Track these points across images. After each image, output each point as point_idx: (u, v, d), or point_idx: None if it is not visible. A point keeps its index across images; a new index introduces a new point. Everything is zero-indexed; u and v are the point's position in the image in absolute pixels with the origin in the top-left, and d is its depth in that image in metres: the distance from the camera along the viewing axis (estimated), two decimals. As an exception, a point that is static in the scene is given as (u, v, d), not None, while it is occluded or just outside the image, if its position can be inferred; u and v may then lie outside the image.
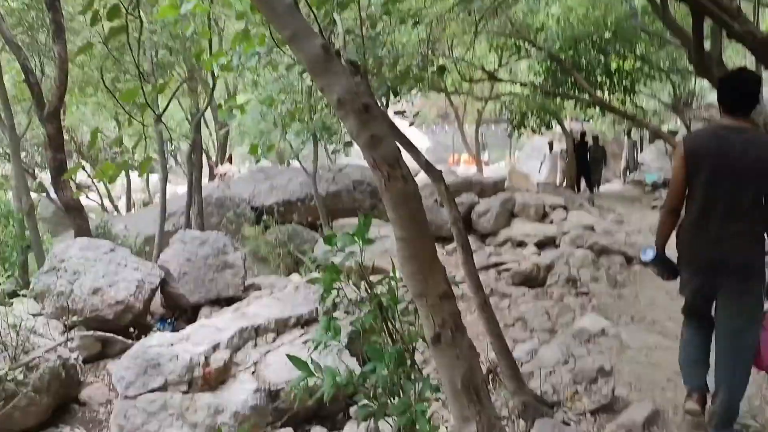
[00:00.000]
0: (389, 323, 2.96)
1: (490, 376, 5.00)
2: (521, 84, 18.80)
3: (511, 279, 9.08)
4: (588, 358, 5.12)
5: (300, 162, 15.28)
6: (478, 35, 17.75)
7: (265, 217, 15.69)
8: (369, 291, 2.98)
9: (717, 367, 3.83)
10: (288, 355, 2.96)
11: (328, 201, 16.15)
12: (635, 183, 21.43)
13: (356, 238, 2.96)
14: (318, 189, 15.22)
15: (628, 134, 22.62)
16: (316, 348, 3.15)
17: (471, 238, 14.69)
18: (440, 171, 4.44)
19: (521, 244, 13.65)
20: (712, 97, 24.63)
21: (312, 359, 2.97)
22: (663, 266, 4.04)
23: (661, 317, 6.93)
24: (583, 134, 20.68)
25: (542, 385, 4.63)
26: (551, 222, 14.60)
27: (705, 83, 22.43)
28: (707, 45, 10.77)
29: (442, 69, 5.06)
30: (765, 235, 3.80)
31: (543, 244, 13.43)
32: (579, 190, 19.96)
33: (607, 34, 18.16)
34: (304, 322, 7.07)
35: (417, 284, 2.46)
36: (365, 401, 2.86)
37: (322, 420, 5.85)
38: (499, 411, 4.56)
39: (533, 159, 28.25)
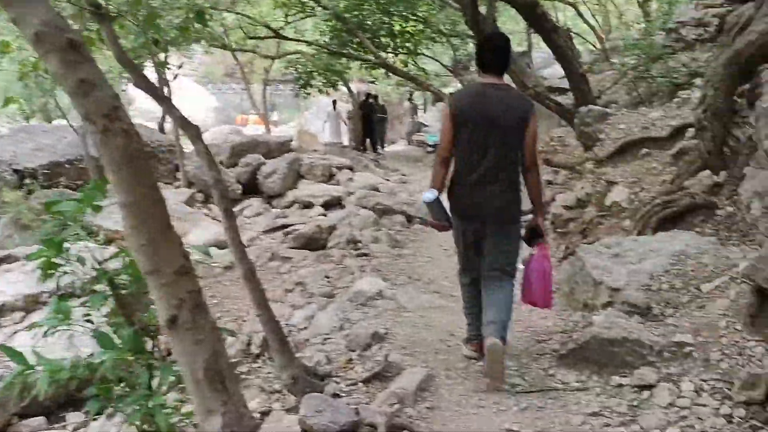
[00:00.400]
0: (125, 304, 2.54)
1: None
2: (307, 43, 18.44)
3: (293, 242, 8.79)
4: (363, 322, 5.00)
5: (68, 120, 13.90)
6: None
7: (28, 180, 14.15)
8: (98, 267, 2.53)
9: (485, 298, 4.24)
10: (1, 346, 2.45)
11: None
12: (419, 144, 22.04)
13: (84, 204, 2.49)
14: (89, 150, 13.95)
15: (410, 97, 23.13)
16: (45, 334, 2.66)
17: (257, 201, 14.35)
18: (197, 127, 3.99)
19: (308, 205, 13.45)
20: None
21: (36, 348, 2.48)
22: (440, 211, 4.25)
23: (438, 276, 7.04)
24: (367, 95, 20.86)
25: (316, 355, 4.41)
26: (338, 183, 14.55)
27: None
28: (483, 10, 11.15)
29: (200, 15, 4.57)
30: (519, 178, 4.22)
31: (329, 205, 13.33)
32: (365, 150, 20.15)
33: (389, -3, 18.22)
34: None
35: (147, 259, 2.08)
36: (96, 394, 2.44)
37: (81, 403, 5.22)
38: (272, 385, 4.30)
39: (321, 119, 28.18)
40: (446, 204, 4.27)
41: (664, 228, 5.22)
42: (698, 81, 7.82)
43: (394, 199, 11.39)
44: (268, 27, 17.20)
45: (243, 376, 4.63)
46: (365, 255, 7.81)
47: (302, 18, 18.40)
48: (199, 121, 33.32)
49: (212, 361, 2.13)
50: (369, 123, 20.04)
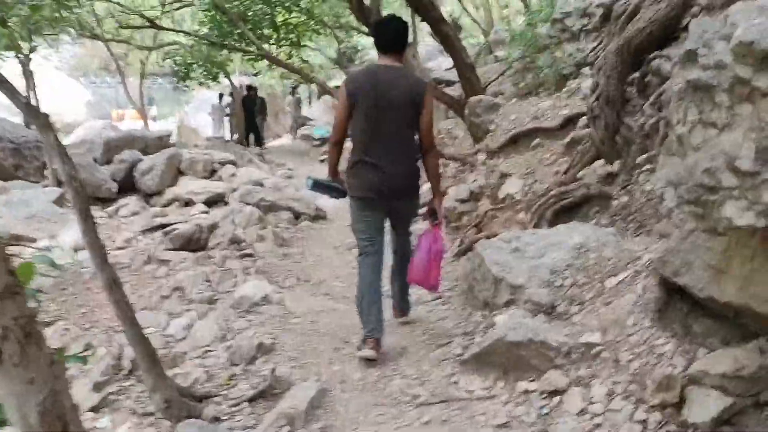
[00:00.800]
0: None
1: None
2: (185, 33, 17.60)
3: (171, 242, 8.16)
4: (248, 331, 4.58)
5: None
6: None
7: None
8: None
9: (394, 241, 4.56)
10: None
11: (-45, 160, 13.61)
12: (304, 137, 21.54)
13: None
14: None
15: (293, 90, 22.57)
16: None
17: (134, 199, 13.53)
18: (47, 116, 3.44)
19: (189, 203, 12.75)
20: (374, 53, 25.67)
21: None
22: (327, 189, 4.48)
23: (328, 276, 6.68)
24: (249, 87, 20.19)
25: (195, 371, 3.94)
26: (220, 179, 13.90)
27: (368, 40, 23.27)
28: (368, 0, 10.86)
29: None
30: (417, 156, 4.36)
31: (212, 202, 12.71)
32: (248, 144, 19.49)
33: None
34: None
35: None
36: None
37: None
38: (145, 408, 3.79)
39: (203, 113, 27.17)
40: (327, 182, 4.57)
41: (560, 220, 5.09)
42: (586, 70, 7.79)
43: (280, 195, 10.92)
44: (142, 16, 16.21)
45: (112, 397, 4.08)
46: (249, 256, 7.33)
47: (180, 7, 17.47)
48: (71, 115, 31.87)
49: (50, 403, 1.67)
50: (252, 117, 19.37)
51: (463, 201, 6.68)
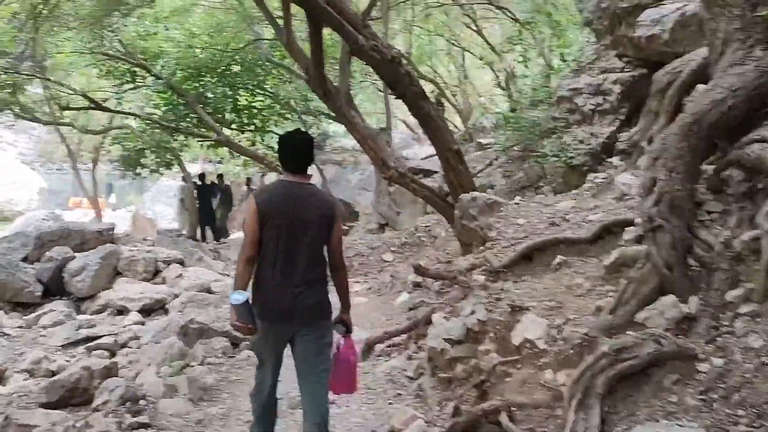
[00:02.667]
0: None
1: None
2: (135, 116, 16.16)
3: (47, 395, 6.20)
4: None
5: None
6: (83, 54, 14.81)
7: None
8: None
9: (308, 398, 4.26)
10: None
11: None
12: None
13: None
14: None
15: (248, 181, 20.98)
16: None
17: (62, 304, 11.87)
18: None
19: (123, 311, 10.97)
20: (347, 140, 24.67)
21: None
22: (247, 313, 4.14)
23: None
24: (201, 176, 18.67)
25: None
26: (164, 280, 12.20)
27: (339, 127, 22.01)
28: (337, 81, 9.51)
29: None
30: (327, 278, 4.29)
31: (150, 311, 11.14)
32: (204, 238, 17.79)
33: (236, 68, 16.46)
34: None
35: None
36: None
37: None
38: None
39: (160, 202, 25.61)
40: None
41: (620, 395, 3.34)
42: (614, 160, 6.31)
43: (219, 312, 9.12)
44: (85, 97, 14.73)
45: None
46: (144, 428, 5.33)
47: (132, 89, 16.07)
48: (22, 204, 30.13)
49: None
50: (206, 207, 17.75)
51: (456, 342, 4.95)
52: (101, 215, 25.05)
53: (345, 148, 21.45)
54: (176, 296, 10.62)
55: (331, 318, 4.39)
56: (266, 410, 4.56)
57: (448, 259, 8.08)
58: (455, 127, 19.55)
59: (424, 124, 7.32)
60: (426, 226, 10.18)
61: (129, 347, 9.87)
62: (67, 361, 9.11)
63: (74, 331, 10.17)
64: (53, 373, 8.52)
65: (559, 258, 5.55)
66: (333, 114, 19.25)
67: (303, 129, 19.26)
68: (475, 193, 6.74)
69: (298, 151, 4.25)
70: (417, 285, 8.25)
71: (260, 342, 4.37)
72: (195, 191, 18.13)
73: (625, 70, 7.68)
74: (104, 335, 9.92)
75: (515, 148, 8.04)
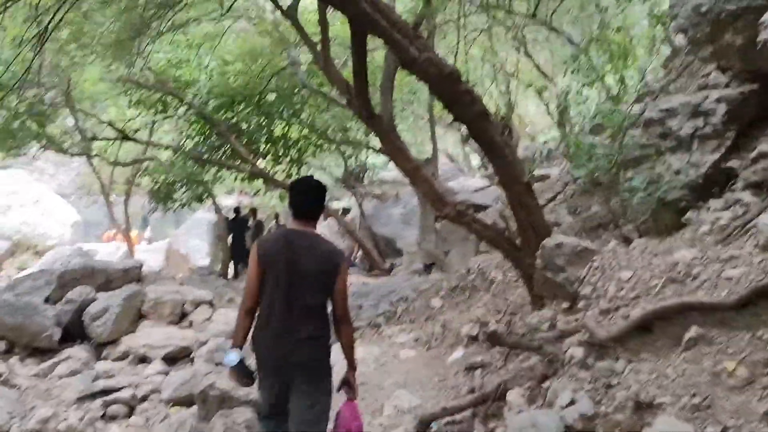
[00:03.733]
0: None
1: None
2: (167, 148, 15.47)
3: None
4: None
5: None
6: (111, 83, 14.19)
7: None
8: None
9: None
10: None
11: None
12: None
13: None
14: None
15: (276, 217, 20.11)
16: None
17: (82, 350, 11.10)
18: None
19: (145, 359, 10.10)
20: (386, 172, 23.79)
21: None
22: (243, 371, 4.12)
23: None
24: (236, 209, 17.85)
25: None
26: (191, 324, 11.34)
27: (380, 158, 21.13)
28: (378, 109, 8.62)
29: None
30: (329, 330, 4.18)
31: (174, 359, 10.22)
32: (237, 275, 16.94)
33: (271, 96, 15.72)
34: None
35: None
36: None
37: None
38: None
39: (195, 237, 24.90)
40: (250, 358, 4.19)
41: None
42: (743, 194, 5.20)
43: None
44: (112, 127, 14.06)
45: None
46: None
47: (163, 119, 15.41)
48: (55, 238, 29.80)
49: None
50: (240, 243, 16.92)
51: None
52: (134, 249, 24.54)
53: (385, 181, 20.57)
54: (203, 343, 9.70)
55: (327, 377, 4.19)
56: None
57: (511, 311, 7.02)
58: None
59: (489, 151, 6.30)
60: (480, 268, 9.12)
61: (150, 400, 9.13)
62: (80, 419, 8.32)
63: (90, 382, 9.44)
64: (63, 436, 7.75)
65: (693, 330, 4.26)
66: (373, 144, 18.57)
67: (342, 159, 18.64)
68: (561, 238, 5.63)
69: (308, 197, 4.24)
70: (473, 339, 7.22)
71: (259, 394, 4.30)
72: (228, 226, 17.33)
73: (731, 85, 6.57)
74: (123, 387, 9.02)
75: (583, 180, 6.95)
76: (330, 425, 4.26)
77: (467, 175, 19.97)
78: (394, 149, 6.67)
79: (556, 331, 4.91)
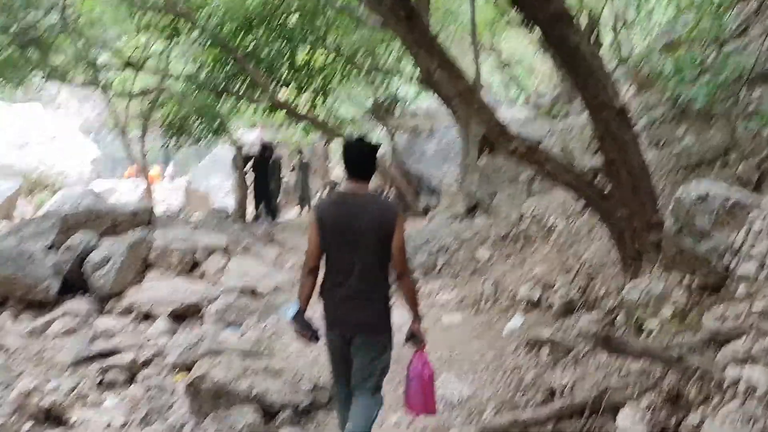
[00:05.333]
0: None
1: None
2: (178, 78, 14.17)
3: None
4: None
5: None
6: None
7: None
8: None
9: (351, 410, 4.31)
10: None
11: None
12: None
13: None
14: None
15: (300, 152, 18.65)
16: None
17: (83, 303, 10.12)
18: None
19: (149, 316, 9.17)
20: (421, 102, 22.24)
21: None
22: (303, 324, 4.30)
23: None
24: (265, 147, 16.49)
25: None
26: (203, 275, 10.21)
27: (411, 88, 19.58)
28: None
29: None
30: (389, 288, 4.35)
31: (182, 316, 9.01)
32: (257, 219, 15.73)
33: (293, 19, 14.28)
34: None
35: None
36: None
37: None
38: None
39: (216, 175, 23.73)
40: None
41: None
42: None
43: (269, 317, 7.11)
44: (118, 54, 12.71)
45: None
46: None
47: (174, 46, 14.06)
48: (74, 175, 28.88)
49: None
50: (264, 184, 15.68)
51: None
52: (152, 187, 23.46)
53: (418, 113, 19.03)
54: (213, 300, 8.58)
55: (386, 333, 4.35)
56: (346, 410, 4.43)
57: (587, 272, 5.68)
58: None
59: (570, 66, 4.85)
60: (534, 214, 7.75)
61: (153, 365, 8.07)
62: (71, 390, 7.28)
63: (87, 344, 8.39)
64: (47, 413, 6.75)
65: None
66: (406, 71, 17.10)
67: (372, 88, 17.18)
68: (705, 185, 4.19)
69: (359, 157, 4.29)
70: (535, 305, 5.92)
71: (327, 350, 4.48)
72: (254, 163, 16.01)
73: None
74: (124, 349, 8.00)
75: (704, 101, 5.38)
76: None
77: (510, 107, 18.37)
78: (442, 62, 5.22)
79: (692, 332, 3.54)
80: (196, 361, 6.51)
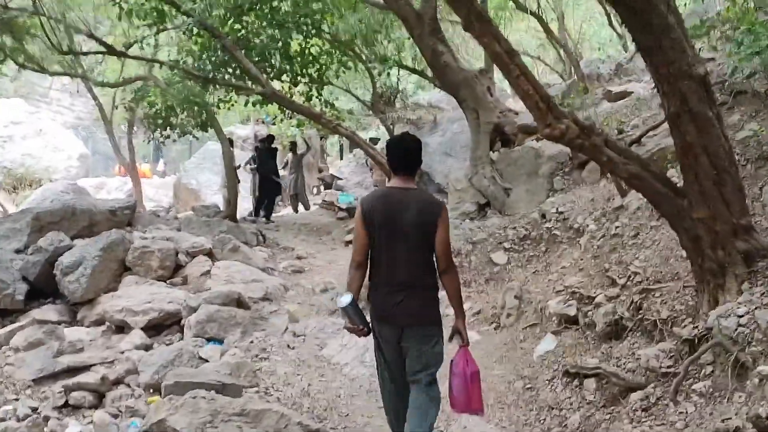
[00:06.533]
0: None
1: None
2: (161, 63, 13.23)
3: None
4: None
5: None
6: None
7: None
8: None
9: (408, 406, 4.30)
10: None
11: None
12: (327, 206, 16.58)
13: None
14: None
15: (293, 148, 17.59)
16: None
17: (52, 311, 9.24)
18: None
19: (122, 327, 8.25)
20: (424, 94, 21.31)
21: None
22: (356, 315, 4.28)
23: None
24: (267, 139, 15.57)
25: None
26: (184, 280, 9.31)
27: (412, 79, 18.67)
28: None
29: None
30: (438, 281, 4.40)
31: (159, 327, 8.15)
32: (257, 215, 14.79)
33: (286, 4, 13.40)
34: None
35: None
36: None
37: None
38: None
39: (207, 170, 22.75)
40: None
41: None
42: None
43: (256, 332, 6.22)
44: (97, 39, 11.73)
45: None
46: None
47: (157, 32, 13.10)
48: (61, 172, 28.02)
49: None
50: (267, 179, 14.82)
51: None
52: (139, 184, 22.54)
53: (420, 105, 18.10)
54: (193, 310, 7.69)
55: (436, 326, 4.38)
56: (399, 415, 4.44)
57: (639, 284, 4.70)
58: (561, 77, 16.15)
59: (639, 22, 3.87)
60: (560, 212, 6.82)
61: (125, 384, 7.14)
62: (29, 415, 6.48)
63: (51, 358, 7.50)
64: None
65: None
66: (405, 61, 16.19)
67: (371, 79, 16.26)
68: None
69: (402, 152, 4.36)
70: (570, 322, 4.99)
71: (376, 348, 4.49)
72: (258, 156, 15.01)
73: None
74: (93, 365, 7.21)
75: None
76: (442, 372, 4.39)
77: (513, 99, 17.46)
78: (480, 25, 4.19)
79: None
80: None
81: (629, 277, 4.97)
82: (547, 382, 4.58)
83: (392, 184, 4.40)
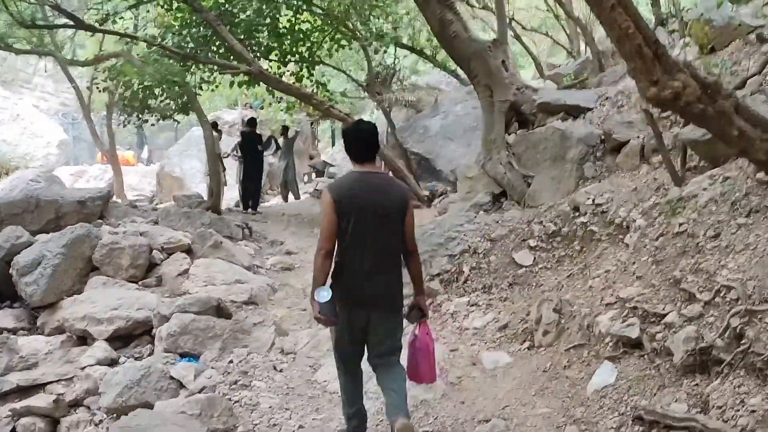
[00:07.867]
0: None
1: None
2: (135, 38, 12.17)
3: None
4: None
5: None
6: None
7: None
8: None
9: (384, 380, 4.43)
10: None
11: None
12: (318, 195, 15.59)
13: None
14: None
15: (284, 132, 16.47)
16: None
17: (8, 317, 8.42)
18: None
19: (86, 336, 7.27)
20: (422, 76, 20.37)
21: None
22: (330, 308, 4.26)
23: None
24: (249, 122, 14.53)
25: None
26: (159, 281, 8.36)
27: (410, 58, 17.67)
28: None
29: None
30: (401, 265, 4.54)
31: (127, 337, 7.18)
32: (246, 207, 13.72)
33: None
34: None
35: None
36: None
37: None
38: None
39: (191, 157, 21.71)
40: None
41: None
42: None
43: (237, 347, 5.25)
44: (58, 9, 10.61)
45: None
46: None
47: (132, 6, 12.03)
48: (39, 159, 27.00)
49: None
50: (254, 167, 13.92)
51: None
52: (120, 172, 21.48)
53: (418, 86, 17.06)
54: (165, 319, 6.68)
55: (402, 309, 4.49)
56: (356, 385, 4.55)
57: (739, 307, 3.61)
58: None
59: None
60: (596, 204, 5.80)
61: (84, 407, 6.14)
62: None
63: (1, 375, 6.58)
64: None
65: None
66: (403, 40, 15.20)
67: (367, 58, 15.28)
68: None
69: (364, 140, 4.40)
70: (631, 345, 4.00)
71: (340, 331, 4.43)
72: (242, 143, 13.94)
73: None
74: (48, 383, 6.41)
75: None
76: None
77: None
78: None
79: None
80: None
81: (717, 291, 3.94)
82: (613, 431, 3.58)
83: (362, 170, 4.36)
